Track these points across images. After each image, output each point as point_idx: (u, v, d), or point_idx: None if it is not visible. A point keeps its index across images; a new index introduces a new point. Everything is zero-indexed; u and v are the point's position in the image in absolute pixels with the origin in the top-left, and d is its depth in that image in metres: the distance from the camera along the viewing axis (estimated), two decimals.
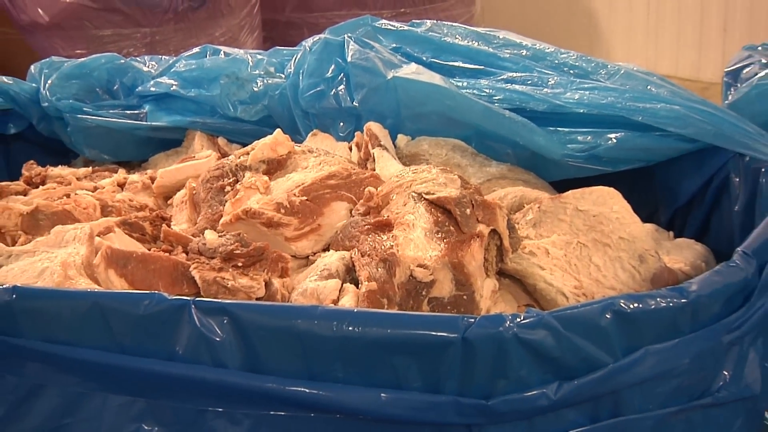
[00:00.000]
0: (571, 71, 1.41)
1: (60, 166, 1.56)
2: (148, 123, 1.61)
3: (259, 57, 1.60)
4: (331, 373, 0.85)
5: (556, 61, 1.44)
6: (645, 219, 1.22)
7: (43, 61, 1.70)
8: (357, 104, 1.42)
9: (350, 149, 1.39)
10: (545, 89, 1.34)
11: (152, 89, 1.63)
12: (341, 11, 3.45)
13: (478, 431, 0.85)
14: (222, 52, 1.67)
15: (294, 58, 1.53)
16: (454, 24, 1.57)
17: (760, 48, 1.62)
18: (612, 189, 1.18)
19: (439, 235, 1.04)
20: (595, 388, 0.86)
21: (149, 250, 1.12)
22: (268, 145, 1.25)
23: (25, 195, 1.37)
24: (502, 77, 1.39)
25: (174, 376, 0.86)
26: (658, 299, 0.89)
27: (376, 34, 1.54)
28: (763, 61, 1.52)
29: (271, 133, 1.28)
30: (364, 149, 1.35)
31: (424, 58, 1.48)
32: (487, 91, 1.36)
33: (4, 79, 1.67)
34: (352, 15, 1.62)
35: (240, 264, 1.03)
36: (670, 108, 1.26)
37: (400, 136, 1.41)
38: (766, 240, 1.01)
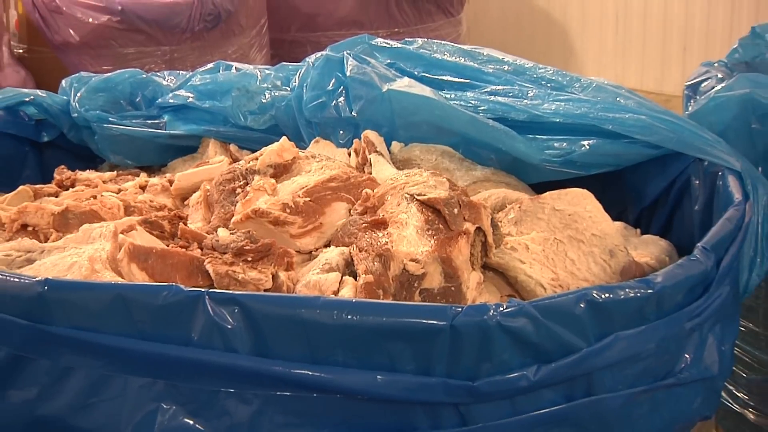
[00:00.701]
0: (548, 84, 1.41)
1: (88, 170, 1.55)
2: (167, 131, 1.60)
3: (267, 72, 1.59)
4: (332, 357, 0.84)
5: (535, 76, 1.43)
6: (615, 217, 1.21)
7: (73, 76, 1.69)
8: (355, 114, 1.41)
9: (349, 155, 1.38)
10: (525, 101, 1.34)
11: (171, 101, 1.62)
12: (341, 31, 3.45)
13: (465, 410, 0.84)
14: (234, 68, 1.65)
15: (298, 73, 1.52)
16: (443, 42, 1.56)
17: (716, 64, 1.62)
18: (585, 190, 1.17)
19: (430, 233, 1.04)
20: (571, 370, 0.85)
21: (168, 246, 1.11)
22: (275, 152, 1.24)
23: (56, 196, 1.36)
24: (486, 90, 1.39)
25: (190, 360, 0.85)
26: (627, 290, 0.88)
27: (373, 51, 1.53)
28: (719, 76, 1.52)
29: (278, 141, 1.27)
30: (361, 155, 1.34)
31: (416, 73, 1.47)
32: (473, 102, 1.35)
33: (39, 92, 1.66)
34: (351, 34, 1.61)
35: (249, 259, 1.02)
36: (637, 118, 1.25)
37: (394, 143, 1.40)
38: (722, 236, 1.01)
